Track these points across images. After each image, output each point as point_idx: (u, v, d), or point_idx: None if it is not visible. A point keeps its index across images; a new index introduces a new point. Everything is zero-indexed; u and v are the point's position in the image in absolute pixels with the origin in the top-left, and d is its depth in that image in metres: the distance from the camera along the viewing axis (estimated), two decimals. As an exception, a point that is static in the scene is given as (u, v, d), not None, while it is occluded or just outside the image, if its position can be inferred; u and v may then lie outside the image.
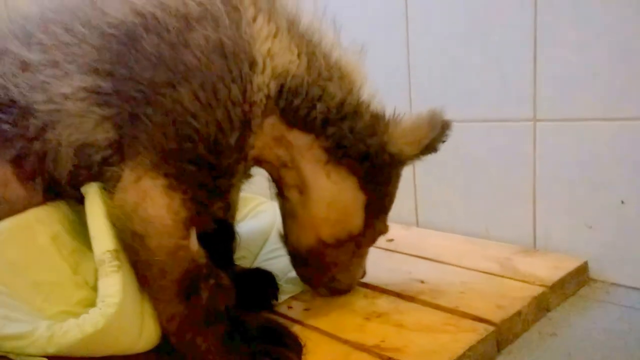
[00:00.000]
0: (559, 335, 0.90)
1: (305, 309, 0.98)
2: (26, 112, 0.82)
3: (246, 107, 0.79)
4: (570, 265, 1.07)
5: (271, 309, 0.98)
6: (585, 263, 1.09)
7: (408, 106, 1.38)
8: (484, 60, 1.21)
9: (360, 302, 0.99)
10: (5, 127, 0.83)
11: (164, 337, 0.80)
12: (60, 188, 0.86)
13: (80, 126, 0.80)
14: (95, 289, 0.77)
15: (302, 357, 0.82)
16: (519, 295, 0.96)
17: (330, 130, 0.84)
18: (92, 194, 0.83)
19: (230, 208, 0.99)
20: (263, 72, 0.81)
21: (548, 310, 0.98)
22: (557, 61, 1.09)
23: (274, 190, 0.95)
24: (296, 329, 0.90)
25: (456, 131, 1.21)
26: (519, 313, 0.91)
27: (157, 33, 0.78)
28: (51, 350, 0.69)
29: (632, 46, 0.99)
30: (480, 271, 1.08)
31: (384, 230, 0.97)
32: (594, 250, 1.09)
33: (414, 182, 1.42)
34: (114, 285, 0.75)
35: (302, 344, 0.83)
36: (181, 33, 0.77)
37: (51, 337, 0.69)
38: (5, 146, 0.84)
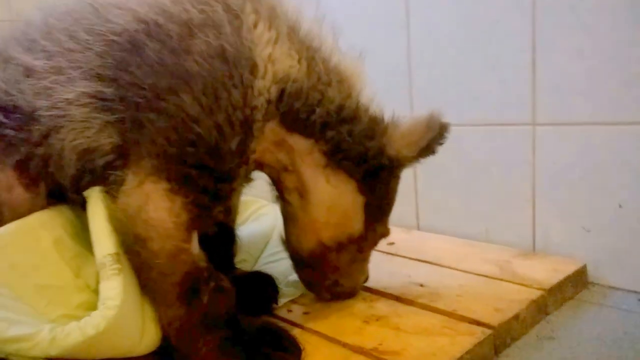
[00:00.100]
0: (556, 339, 0.91)
1: (305, 312, 0.99)
2: (30, 117, 0.83)
3: (247, 112, 0.80)
4: (569, 268, 1.07)
5: (271, 312, 0.99)
6: (584, 266, 1.10)
7: (409, 110, 1.38)
8: (485, 65, 1.22)
9: (359, 305, 1.00)
10: (10, 132, 0.84)
11: (165, 339, 0.81)
12: (63, 192, 0.87)
13: (84, 131, 0.81)
14: (97, 292, 0.78)
15: (301, 360, 0.83)
16: (517, 298, 0.97)
17: (329, 134, 0.85)
18: (94, 198, 0.84)
19: (231, 212, 1.00)
20: (264, 77, 0.82)
21: (546, 313, 0.99)
22: (556, 66, 1.10)
23: (274, 194, 0.96)
24: (296, 332, 0.91)
25: (457, 135, 1.22)
26: (517, 316, 0.92)
27: (159, 40, 0.79)
28: (53, 352, 0.70)
29: (629, 52, 1.00)
30: (479, 274, 1.09)
31: (385, 233, 0.98)
32: (593, 253, 1.10)
33: (415, 185, 1.43)
34: (115, 288, 0.75)
35: (302, 347, 0.84)
36: (183, 39, 0.79)
37: (53, 340, 0.70)
38: (10, 151, 0.85)
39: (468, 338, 0.85)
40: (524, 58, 1.14)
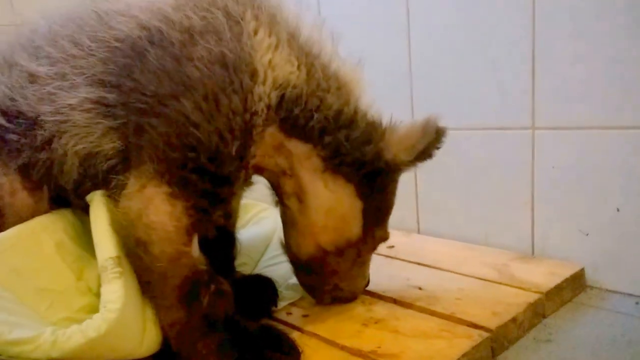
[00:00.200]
0: (553, 342, 0.92)
1: (304, 315, 1.00)
2: (34, 122, 0.84)
3: (247, 117, 0.81)
4: (567, 272, 1.08)
5: (270, 315, 1.00)
6: (582, 270, 1.10)
7: (410, 113, 1.39)
8: (485, 70, 1.22)
9: (358, 308, 1.01)
10: (13, 137, 0.86)
11: (166, 342, 0.82)
12: (66, 196, 0.89)
13: (87, 136, 0.83)
14: (98, 295, 0.79)
15: (300, 363, 0.84)
16: (515, 301, 0.97)
17: (327, 139, 0.86)
18: (97, 201, 0.85)
19: (231, 215, 1.01)
20: (264, 82, 0.83)
21: (544, 316, 1.00)
22: (555, 71, 1.11)
23: (274, 198, 0.97)
24: (295, 335, 0.91)
25: (457, 138, 1.24)
26: (514, 319, 0.92)
27: (161, 46, 0.80)
28: (55, 355, 0.71)
29: (626, 57, 1.01)
30: (478, 278, 1.10)
31: (384, 237, 0.98)
32: (591, 257, 1.11)
33: (416, 189, 1.44)
34: (116, 291, 0.76)
35: (300, 350, 0.85)
36: (185, 46, 0.80)
37: (55, 342, 0.71)
38: (13, 156, 0.87)
39: (465, 341, 0.86)
40: (523, 63, 1.15)
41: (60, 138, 0.83)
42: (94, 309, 0.78)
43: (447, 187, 1.36)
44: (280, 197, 0.95)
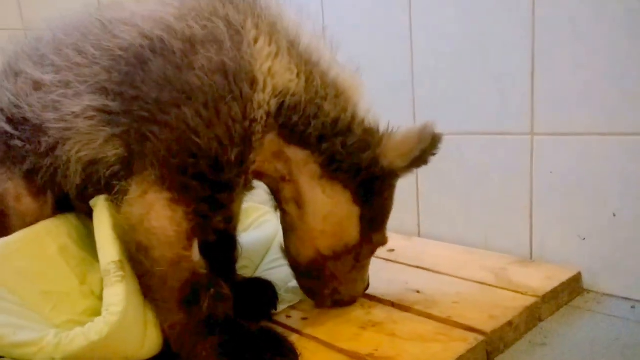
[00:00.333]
0: (548, 345, 0.93)
1: (303, 318, 1.01)
2: (38, 129, 0.86)
3: (246, 124, 0.83)
4: (564, 276, 1.09)
5: (270, 318, 1.01)
6: (579, 274, 1.12)
7: (412, 119, 1.41)
8: (485, 77, 1.24)
9: (357, 311, 1.02)
10: (18, 143, 0.88)
11: (166, 344, 0.84)
12: (69, 201, 0.91)
13: (90, 143, 0.84)
14: (101, 298, 0.81)
15: (298, 365, 0.85)
16: (512, 305, 0.99)
17: (324, 146, 0.87)
18: (100, 206, 0.87)
19: (232, 220, 1.02)
20: (264, 90, 0.84)
21: (540, 320, 1.01)
22: (554, 78, 1.12)
23: (274, 204, 0.98)
24: (294, 337, 0.93)
25: (458, 144, 1.26)
26: (510, 323, 0.94)
27: (163, 55, 0.81)
28: (58, 357, 0.73)
29: (625, 65, 1.02)
30: (476, 281, 1.11)
31: (382, 241, 0.99)
32: (588, 261, 1.12)
33: (417, 193, 1.45)
34: (118, 294, 0.78)
35: (298, 352, 0.86)
36: (186, 55, 0.81)
37: (58, 345, 0.73)
38: (18, 161, 0.89)
39: (461, 344, 0.87)
40: (523, 70, 1.16)
41: (64, 145, 0.85)
42: (97, 312, 0.80)
43: (447, 191, 1.38)
44: (279, 202, 0.96)
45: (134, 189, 0.82)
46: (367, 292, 1.07)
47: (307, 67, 0.88)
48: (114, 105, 0.82)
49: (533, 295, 1.02)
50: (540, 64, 1.14)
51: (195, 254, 0.84)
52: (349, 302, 1.04)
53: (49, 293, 0.84)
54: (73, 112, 0.84)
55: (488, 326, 0.91)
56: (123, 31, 0.85)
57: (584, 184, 1.11)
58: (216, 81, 0.80)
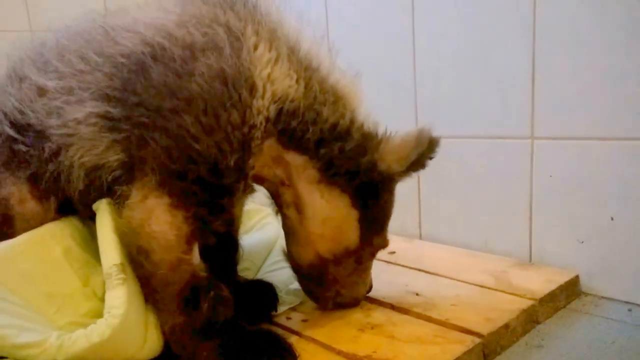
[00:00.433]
0: (545, 347, 0.94)
1: (303, 320, 1.02)
2: (42, 135, 0.88)
3: (245, 130, 0.84)
4: (562, 279, 1.10)
5: (270, 319, 1.02)
6: (577, 277, 1.12)
7: (414, 122, 1.42)
8: (486, 81, 1.25)
9: (356, 314, 1.03)
10: (23, 148, 0.90)
11: (167, 346, 0.86)
12: (72, 205, 0.92)
13: (92, 149, 0.86)
14: (103, 300, 0.82)
15: (297, 367, 0.87)
16: (509, 308, 1.00)
17: (322, 151, 0.88)
18: (102, 210, 0.89)
19: (233, 223, 1.03)
20: (263, 96, 0.85)
21: (537, 322, 1.02)
22: (554, 83, 1.13)
23: (274, 208, 0.99)
24: (293, 339, 0.94)
25: (459, 147, 1.26)
26: (506, 325, 0.95)
27: (163, 62, 0.83)
28: (60, 358, 0.74)
29: (624, 70, 1.03)
30: (475, 284, 1.12)
31: (382, 244, 1.00)
32: (586, 264, 1.13)
33: (419, 196, 1.46)
34: (120, 297, 0.80)
35: (297, 354, 0.87)
36: (186, 62, 0.82)
37: (61, 346, 0.75)
38: (23, 166, 0.91)
39: (458, 346, 0.88)
40: (523, 74, 1.17)
41: (67, 150, 0.86)
42: (99, 314, 0.82)
43: (448, 194, 1.39)
44: (280, 206, 0.97)
45: (135, 194, 0.84)
46: (368, 294, 1.07)
47: (306, 73, 0.89)
48: (115, 111, 0.84)
49: (530, 298, 1.02)
50: (541, 68, 1.15)
51: (196, 257, 0.86)
52: (351, 304, 1.05)
53: (53, 295, 0.86)
54: (76, 119, 0.85)
55: (485, 328, 0.92)
56: (125, 38, 0.86)
57: (583, 188, 1.12)
58: (215, 88, 0.81)
